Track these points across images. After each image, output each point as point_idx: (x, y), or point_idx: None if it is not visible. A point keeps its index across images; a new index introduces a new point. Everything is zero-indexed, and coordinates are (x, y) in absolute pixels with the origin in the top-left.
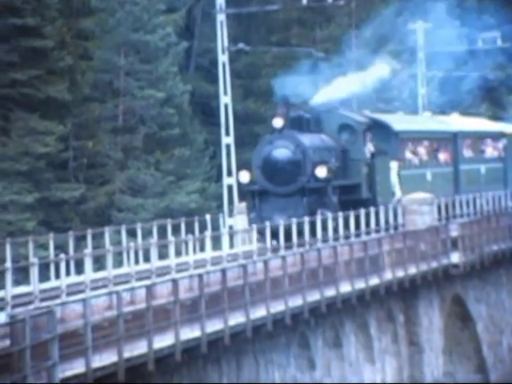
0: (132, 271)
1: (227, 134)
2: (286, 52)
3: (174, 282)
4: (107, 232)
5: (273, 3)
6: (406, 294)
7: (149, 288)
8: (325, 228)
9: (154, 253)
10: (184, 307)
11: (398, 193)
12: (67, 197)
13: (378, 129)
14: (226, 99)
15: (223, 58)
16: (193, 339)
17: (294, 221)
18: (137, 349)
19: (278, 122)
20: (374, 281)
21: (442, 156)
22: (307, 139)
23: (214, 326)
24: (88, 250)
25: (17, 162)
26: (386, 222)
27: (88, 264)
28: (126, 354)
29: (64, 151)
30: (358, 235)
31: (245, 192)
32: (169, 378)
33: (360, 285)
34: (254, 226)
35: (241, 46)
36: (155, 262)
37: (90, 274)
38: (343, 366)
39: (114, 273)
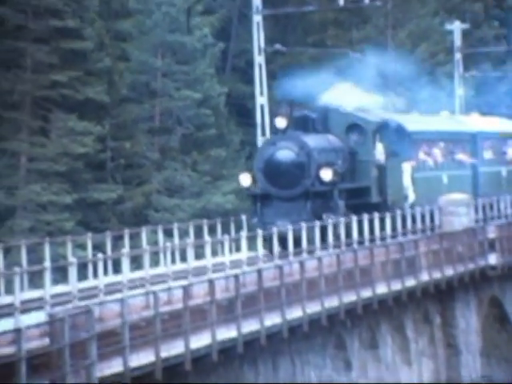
0: (169, 271)
1: (263, 134)
2: (322, 53)
3: (211, 282)
4: (144, 232)
5: (309, 4)
6: (443, 296)
7: (185, 288)
8: (335, 233)
9: (190, 253)
10: (220, 307)
11: (412, 196)
12: (105, 197)
13: (390, 129)
14: (262, 100)
15: (259, 59)
16: (229, 339)
17: (303, 226)
18: (174, 348)
19: (280, 122)
20: (410, 282)
21: (460, 158)
22: (312, 140)
23: (250, 326)
24: (125, 250)
25: (55, 162)
26: (395, 227)
27: (125, 264)
28: (164, 354)
29: (102, 152)
30: (383, 239)
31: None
32: (205, 378)
33: (396, 286)
34: (259, 232)
35: (277, 47)
36: (192, 262)
37: (127, 273)
38: (380, 367)
39: (151, 273)
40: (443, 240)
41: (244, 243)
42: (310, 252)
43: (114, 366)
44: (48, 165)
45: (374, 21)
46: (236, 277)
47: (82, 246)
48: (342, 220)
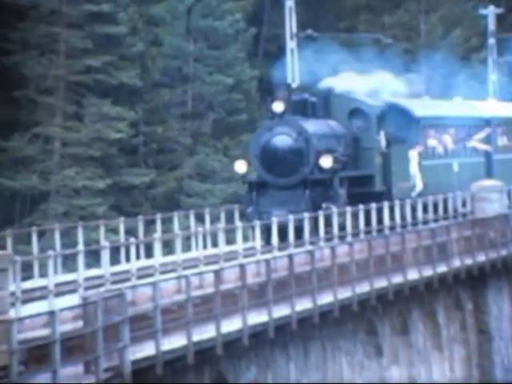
0: (200, 256)
1: None
2: (354, 38)
3: (242, 267)
4: (176, 217)
5: None
6: (475, 282)
7: (217, 272)
8: (338, 223)
9: (221, 238)
10: (251, 292)
11: (420, 184)
12: (137, 182)
13: (396, 114)
14: (294, 85)
15: (291, 45)
16: (260, 324)
17: (306, 217)
18: (205, 333)
19: (278, 106)
20: (441, 268)
21: (472, 145)
22: (311, 125)
23: (281, 311)
24: (157, 235)
25: (89, 147)
26: (403, 218)
27: (157, 248)
28: (195, 338)
29: (134, 137)
30: (414, 224)
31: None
32: (237, 362)
33: (428, 272)
34: (257, 222)
35: (309, 32)
36: (223, 247)
37: (159, 258)
38: (411, 353)
39: (182, 257)
40: (475, 226)
41: (275, 228)
42: (312, 243)
43: (147, 350)
44: (82, 150)
45: (406, 5)
46: (267, 261)
47: (115, 231)
48: (347, 209)
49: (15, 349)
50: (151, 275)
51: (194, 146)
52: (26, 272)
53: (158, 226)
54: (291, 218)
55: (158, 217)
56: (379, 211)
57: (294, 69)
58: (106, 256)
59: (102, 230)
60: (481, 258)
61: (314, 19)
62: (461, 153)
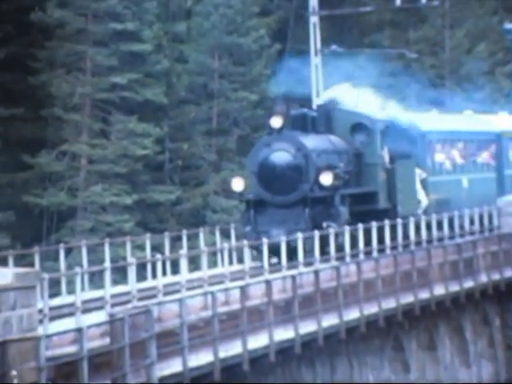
0: (226, 272)
1: None
2: (379, 53)
3: (268, 283)
4: (202, 233)
5: (366, 5)
6: (502, 298)
7: (243, 289)
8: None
9: (247, 254)
10: (277, 308)
11: (424, 200)
12: (163, 198)
13: (401, 129)
14: (318, 101)
15: (316, 61)
16: (286, 340)
17: (316, 235)
18: (232, 349)
19: (276, 122)
20: (468, 284)
21: (483, 160)
22: (311, 141)
23: (307, 327)
24: (183, 251)
25: (116, 164)
26: (406, 236)
27: (183, 264)
28: (222, 354)
29: (160, 153)
30: (440, 239)
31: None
32: (263, 379)
33: (454, 288)
34: (250, 241)
35: (333, 47)
36: (248, 263)
37: (185, 274)
38: (438, 369)
39: (208, 273)
40: (502, 241)
41: (300, 245)
42: (309, 264)
43: (174, 366)
44: (108, 166)
45: (431, 21)
46: (293, 277)
47: (141, 247)
48: (347, 228)
49: (43, 366)
50: (177, 291)
51: (220, 162)
52: (54, 289)
53: (184, 242)
54: (300, 235)
55: (184, 233)
56: (394, 228)
57: (318, 84)
58: (132, 272)
59: (129, 247)
60: (508, 273)
61: (339, 35)
62: (470, 168)
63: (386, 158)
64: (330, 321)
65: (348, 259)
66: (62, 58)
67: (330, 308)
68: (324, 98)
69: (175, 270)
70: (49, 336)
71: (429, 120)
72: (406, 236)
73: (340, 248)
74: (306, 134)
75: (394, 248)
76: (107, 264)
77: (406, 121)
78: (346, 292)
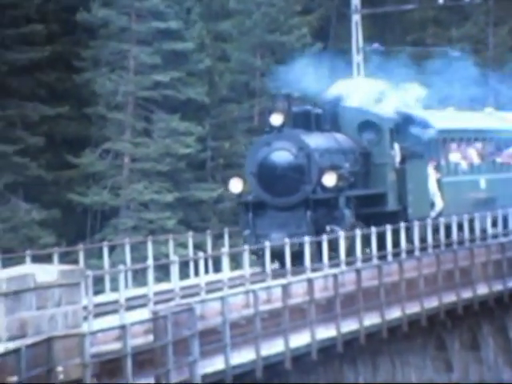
0: (268, 270)
1: None
2: (421, 52)
3: (309, 281)
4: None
5: (408, 3)
6: None
7: (284, 287)
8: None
9: (287, 252)
10: (319, 307)
11: (439, 203)
12: (205, 196)
13: (413, 127)
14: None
15: (358, 59)
16: (328, 339)
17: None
18: (274, 347)
19: (276, 119)
20: None
21: (502, 159)
22: (313, 140)
23: (349, 326)
24: (225, 249)
25: (158, 162)
26: (423, 240)
27: (225, 262)
28: (264, 352)
29: (202, 152)
30: (483, 239)
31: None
32: (305, 377)
33: (498, 287)
34: (249, 246)
35: (375, 46)
36: (290, 262)
37: (227, 272)
38: (482, 369)
39: (250, 271)
40: None
41: (342, 243)
42: (315, 270)
43: (216, 364)
44: (151, 165)
45: (474, 18)
46: (335, 276)
47: (184, 245)
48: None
49: (88, 362)
50: (220, 289)
51: None
52: (98, 286)
53: (226, 240)
54: (307, 239)
55: (226, 231)
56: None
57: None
58: (175, 270)
59: (171, 245)
60: None
61: (381, 33)
62: (489, 168)
63: (397, 158)
64: (371, 320)
65: (374, 261)
66: (106, 57)
67: (371, 307)
68: (330, 93)
69: (217, 267)
70: (93, 333)
71: (443, 118)
72: (423, 239)
73: (349, 252)
74: (308, 132)
75: (436, 247)
76: (150, 262)
77: (419, 118)
78: (388, 291)
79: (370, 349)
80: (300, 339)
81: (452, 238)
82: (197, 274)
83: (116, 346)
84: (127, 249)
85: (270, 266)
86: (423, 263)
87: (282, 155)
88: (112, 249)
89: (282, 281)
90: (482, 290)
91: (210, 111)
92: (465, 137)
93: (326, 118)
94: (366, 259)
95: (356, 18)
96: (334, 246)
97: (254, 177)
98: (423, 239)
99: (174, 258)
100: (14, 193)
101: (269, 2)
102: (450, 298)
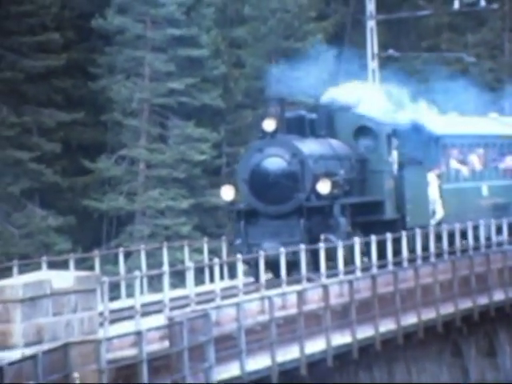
0: (283, 276)
1: None
2: (437, 57)
3: (325, 287)
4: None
5: (423, 9)
6: None
7: (300, 293)
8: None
9: (303, 258)
10: (334, 313)
11: (440, 211)
12: (221, 202)
13: (412, 132)
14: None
15: (373, 65)
16: (344, 345)
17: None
18: (289, 353)
19: (268, 125)
20: None
21: (506, 166)
22: (307, 146)
23: (364, 332)
24: (240, 255)
25: (174, 169)
26: (424, 248)
27: (240, 269)
28: (279, 359)
29: (217, 158)
30: (499, 244)
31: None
32: (321, 383)
33: None
34: (241, 255)
35: (390, 52)
36: (305, 268)
37: (242, 278)
38: (498, 376)
39: (265, 277)
40: None
41: (357, 249)
42: (310, 280)
43: (232, 370)
44: (166, 171)
45: (490, 24)
46: (350, 282)
47: (199, 250)
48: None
49: (104, 368)
50: (235, 296)
51: None
52: (114, 292)
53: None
54: (303, 247)
55: None
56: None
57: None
58: (190, 276)
59: (187, 251)
60: None
61: (396, 39)
62: (492, 175)
63: (394, 165)
64: (387, 326)
65: (390, 267)
66: (121, 64)
67: (387, 313)
68: (326, 98)
69: (232, 274)
70: (109, 339)
71: (444, 123)
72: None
73: (346, 261)
74: (302, 138)
75: (452, 253)
76: (165, 268)
77: (419, 124)
78: (403, 297)
79: (385, 355)
80: (315, 345)
81: (455, 245)
82: (212, 280)
83: (132, 352)
84: (143, 255)
85: (263, 276)
86: (439, 269)
87: (274, 162)
88: (128, 255)
89: (297, 287)
90: (499, 296)
91: (225, 117)
92: (466, 142)
93: (321, 123)
94: (365, 268)
95: (371, 24)
96: (330, 255)
97: (246, 184)
98: (424, 247)
99: (189, 264)
100: (30, 199)
101: (284, 9)
102: (466, 304)
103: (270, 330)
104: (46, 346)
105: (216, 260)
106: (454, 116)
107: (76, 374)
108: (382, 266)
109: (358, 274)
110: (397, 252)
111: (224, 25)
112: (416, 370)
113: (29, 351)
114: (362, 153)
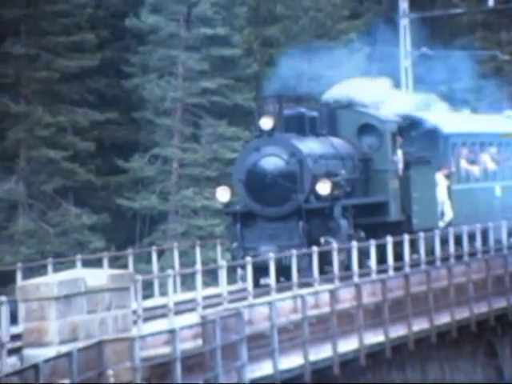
0: (316, 275)
1: None
2: (470, 56)
3: (357, 286)
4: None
5: (457, 6)
6: None
7: (332, 292)
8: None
9: (335, 257)
10: (367, 312)
11: (449, 213)
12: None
13: (418, 131)
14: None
15: (406, 63)
16: (377, 344)
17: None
18: (322, 352)
19: (266, 123)
20: None
21: None
22: (307, 145)
23: (397, 331)
24: (272, 254)
25: (206, 167)
26: (431, 252)
27: (272, 267)
28: (312, 357)
29: None
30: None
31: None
32: (354, 382)
33: None
34: (237, 259)
35: (424, 50)
36: (337, 267)
37: (274, 277)
38: None
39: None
40: None
41: (390, 248)
42: (307, 285)
43: (264, 368)
44: (199, 170)
45: None
46: (383, 281)
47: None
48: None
49: (138, 366)
50: (267, 294)
51: None
52: (147, 290)
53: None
54: (304, 251)
55: None
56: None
57: (408, 87)
58: (223, 275)
59: (219, 250)
60: None
61: (429, 37)
62: (505, 175)
63: (400, 164)
64: (420, 325)
65: (423, 266)
66: (155, 63)
67: (420, 312)
68: (329, 95)
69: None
70: (143, 337)
71: (454, 121)
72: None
73: (344, 266)
74: (301, 136)
75: (485, 252)
76: (198, 266)
77: (425, 121)
78: (437, 296)
79: (418, 354)
80: (348, 344)
81: (489, 245)
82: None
83: (165, 350)
84: (176, 253)
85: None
86: (472, 268)
87: (272, 161)
88: (161, 253)
89: (329, 286)
90: None
91: (257, 116)
92: (477, 141)
93: (322, 121)
94: (364, 274)
95: (404, 23)
96: (329, 259)
97: (243, 185)
98: (431, 251)
99: (221, 262)
100: (64, 198)
101: (316, 7)
102: (500, 303)
103: (302, 329)
104: (80, 344)
105: (248, 259)
106: (466, 113)
107: (110, 372)
108: (414, 265)
109: (391, 273)
110: (398, 255)
111: (256, 24)
112: (449, 370)
113: (64, 348)
114: (365, 152)
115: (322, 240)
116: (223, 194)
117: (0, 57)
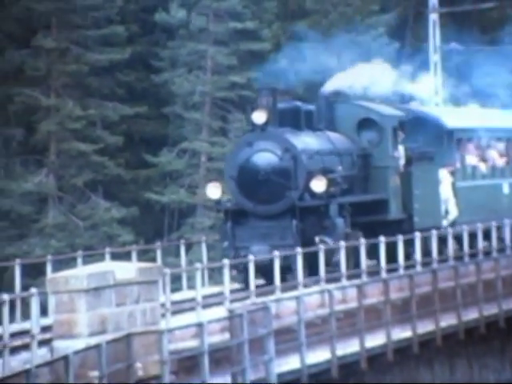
0: (343, 270)
1: None
2: (500, 51)
3: (385, 281)
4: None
5: (487, 1)
6: None
7: (360, 287)
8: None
9: (363, 252)
10: (394, 307)
11: (454, 211)
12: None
13: (421, 125)
14: (437, 99)
15: (435, 58)
16: (404, 339)
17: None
18: (349, 347)
19: (259, 117)
20: None
21: None
22: (302, 140)
23: (425, 327)
24: (299, 249)
25: None
26: (427, 253)
27: (300, 262)
28: (339, 352)
29: None
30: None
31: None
32: (381, 377)
33: None
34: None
35: (453, 45)
36: (364, 262)
37: (301, 271)
38: None
39: (324, 270)
40: None
41: (418, 243)
42: (305, 286)
43: (291, 363)
44: None
45: None
46: (410, 277)
47: None
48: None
49: (166, 359)
50: (294, 288)
51: None
52: (175, 284)
53: None
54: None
55: None
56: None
57: (437, 83)
58: (251, 269)
59: None
60: None
61: (459, 32)
62: None
63: (401, 160)
64: (448, 321)
65: (435, 264)
66: (184, 57)
67: (448, 308)
68: (328, 87)
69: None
70: (171, 330)
71: (458, 115)
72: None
73: (334, 267)
74: (296, 131)
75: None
76: (226, 260)
77: (430, 115)
78: (465, 292)
79: (446, 350)
80: (375, 339)
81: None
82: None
83: (193, 343)
84: (204, 247)
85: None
86: (501, 264)
87: (264, 157)
88: (189, 247)
89: (357, 281)
90: None
91: None
92: (483, 137)
93: (320, 115)
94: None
95: (434, 17)
96: (326, 259)
97: (234, 181)
98: (428, 252)
99: (249, 257)
100: (93, 191)
101: (345, 2)
102: None
103: (329, 324)
104: (109, 336)
105: (276, 253)
106: (475, 108)
107: (139, 364)
108: (442, 261)
109: (419, 268)
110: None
111: (285, 18)
112: (478, 366)
113: (93, 341)
114: (364, 147)
115: (317, 239)
116: (214, 191)
117: (31, 50)
